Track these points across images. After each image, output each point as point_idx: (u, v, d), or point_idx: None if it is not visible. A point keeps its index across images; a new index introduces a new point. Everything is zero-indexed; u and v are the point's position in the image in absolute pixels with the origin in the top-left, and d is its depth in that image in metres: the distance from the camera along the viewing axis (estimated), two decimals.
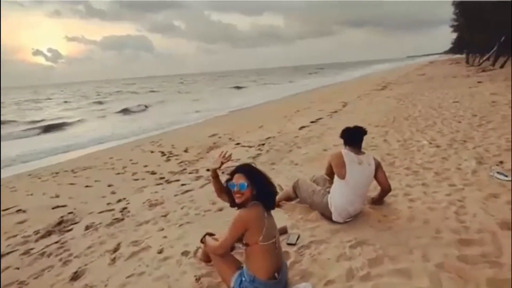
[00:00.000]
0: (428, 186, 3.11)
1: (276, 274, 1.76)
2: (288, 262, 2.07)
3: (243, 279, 1.78)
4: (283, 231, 2.48)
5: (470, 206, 2.62)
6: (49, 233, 3.60)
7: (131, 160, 6.98)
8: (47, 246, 3.18)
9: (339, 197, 2.49)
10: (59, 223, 3.87)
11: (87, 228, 3.53)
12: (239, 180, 1.76)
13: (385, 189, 2.71)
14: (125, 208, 4.00)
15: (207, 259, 2.17)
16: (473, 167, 3.48)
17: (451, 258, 1.96)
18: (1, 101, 33.81)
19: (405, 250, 2.09)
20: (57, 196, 4.95)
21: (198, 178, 4.86)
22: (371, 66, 71.13)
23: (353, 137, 2.66)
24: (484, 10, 22.33)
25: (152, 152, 7.74)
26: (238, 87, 32.34)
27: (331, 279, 1.90)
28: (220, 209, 3.31)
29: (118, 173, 6.05)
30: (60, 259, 2.80)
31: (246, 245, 1.73)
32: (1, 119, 16.51)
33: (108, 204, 4.33)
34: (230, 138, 8.13)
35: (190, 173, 5.30)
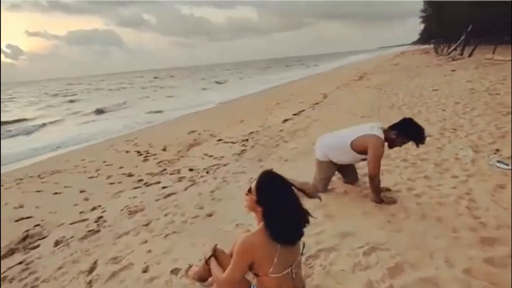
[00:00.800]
0: (430, 179, 2.94)
1: None
2: None
3: None
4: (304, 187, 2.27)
5: (480, 199, 2.46)
6: (11, 252, 3.14)
7: (104, 161, 6.47)
8: (9, 268, 2.74)
9: None
10: (24, 238, 3.40)
11: (56, 243, 3.10)
12: (251, 185, 1.46)
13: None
14: (100, 217, 3.59)
15: (201, 278, 1.86)
16: (470, 156, 3.36)
17: (477, 261, 1.77)
18: None
19: (425, 254, 1.88)
20: (21, 207, 4.42)
21: (180, 179, 4.49)
22: (346, 57, 72.12)
23: (415, 134, 2.50)
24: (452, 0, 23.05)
25: (127, 152, 7.24)
26: (216, 82, 31.59)
27: None
28: (210, 215, 2.99)
29: (91, 177, 5.55)
30: (25, 285, 2.38)
31: (255, 275, 1.42)
32: None
33: (80, 213, 3.89)
34: (211, 134, 7.76)
35: (171, 173, 4.91)
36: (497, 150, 3.44)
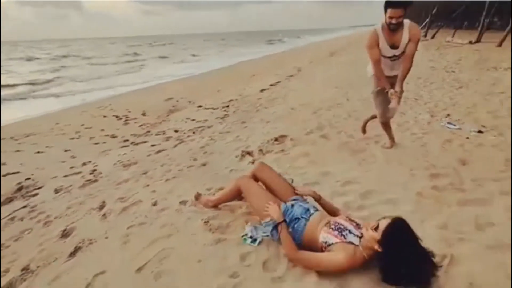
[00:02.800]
0: (394, 135, 3.47)
1: None
2: None
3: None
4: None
5: (432, 149, 3.02)
6: (9, 200, 3.27)
7: (82, 125, 6.45)
8: (15, 211, 2.91)
9: None
10: (19, 189, 3.52)
11: (56, 191, 3.28)
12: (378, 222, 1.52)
13: None
14: (94, 170, 3.77)
15: (214, 204, 2.22)
16: (427, 119, 3.95)
17: (427, 188, 2.30)
18: None
19: (388, 185, 2.38)
20: (4, 164, 4.44)
21: (167, 139, 4.72)
22: (319, 34, 72.50)
23: None
24: None
25: (104, 116, 7.21)
26: (192, 55, 30.47)
27: None
28: (204, 164, 3.32)
29: (72, 138, 5.58)
30: (38, 221, 2.60)
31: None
32: None
33: (71, 168, 4.03)
34: (189, 101, 7.91)
35: (156, 134, 5.11)
36: (448, 114, 4.06)
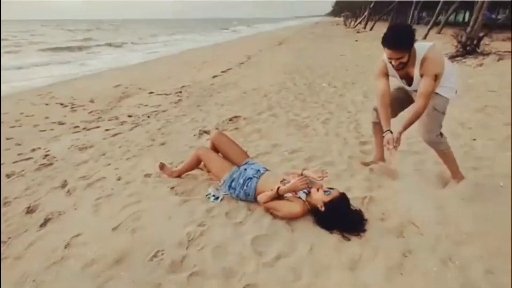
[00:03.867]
0: (333, 113, 3.99)
1: None
2: None
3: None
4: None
5: (362, 123, 3.58)
6: None
7: (22, 113, 6.06)
8: None
9: None
10: None
11: (8, 176, 3.21)
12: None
13: None
14: (47, 155, 3.72)
15: (177, 174, 2.48)
16: (361, 100, 4.56)
17: (357, 152, 2.81)
18: None
19: (326, 151, 2.84)
20: None
21: (122, 123, 4.74)
22: (264, 24, 73.21)
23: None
24: None
25: (47, 104, 6.82)
26: (139, 41, 28.54)
27: None
28: (163, 143, 3.50)
29: (13, 126, 5.26)
30: None
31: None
32: None
33: (19, 154, 3.90)
34: (139, 88, 7.78)
35: (109, 120, 5.07)
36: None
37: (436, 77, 1.97)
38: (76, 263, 1.67)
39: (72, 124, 5.13)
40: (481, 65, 6.58)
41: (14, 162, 3.63)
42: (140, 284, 1.51)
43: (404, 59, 1.97)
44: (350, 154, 2.78)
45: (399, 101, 2.31)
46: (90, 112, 5.87)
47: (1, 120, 5.64)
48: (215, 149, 2.43)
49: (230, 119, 3.95)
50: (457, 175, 2.29)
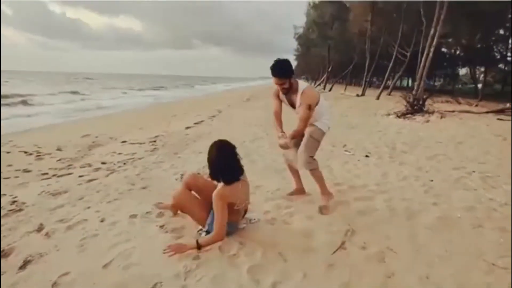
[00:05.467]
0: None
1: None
2: None
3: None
4: None
5: (333, 168, 3.91)
6: None
7: None
8: None
9: None
10: None
11: None
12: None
13: None
14: (15, 201, 3.52)
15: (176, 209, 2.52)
16: (330, 149, 4.98)
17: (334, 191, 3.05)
18: None
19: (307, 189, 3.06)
20: None
21: (96, 170, 4.65)
22: (231, 83, 77.31)
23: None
24: (316, 44, 28.61)
25: (8, 152, 6.49)
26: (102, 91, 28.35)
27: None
28: (144, 187, 3.50)
29: None
30: None
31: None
32: None
33: None
34: (110, 138, 7.73)
35: (81, 167, 4.95)
36: (345, 145, 5.19)
37: (310, 107, 2.69)
38: None
39: (40, 171, 4.92)
40: (428, 121, 7.56)
41: None
42: None
43: (285, 85, 2.68)
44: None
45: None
46: (59, 159, 5.68)
47: None
48: (189, 188, 2.48)
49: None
50: (325, 192, 2.84)
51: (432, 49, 9.48)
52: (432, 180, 3.46)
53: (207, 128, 7.71)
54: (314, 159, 2.81)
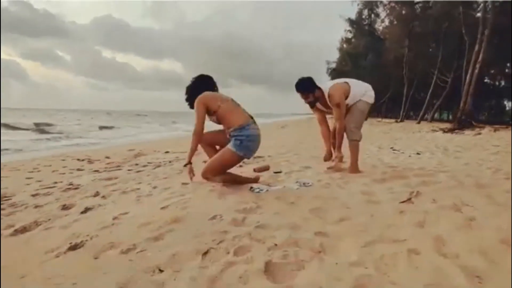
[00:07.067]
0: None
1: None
2: None
3: (237, 138, 2.28)
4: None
5: (386, 160, 3.72)
6: None
7: (38, 164, 6.16)
8: None
9: None
10: None
11: (33, 195, 3.16)
12: None
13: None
14: (71, 184, 3.69)
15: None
16: (376, 149, 4.78)
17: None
18: None
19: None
20: None
21: (144, 166, 4.81)
22: (266, 118, 78.70)
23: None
24: (349, 76, 28.64)
25: (63, 160, 6.97)
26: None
27: None
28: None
29: (31, 171, 5.31)
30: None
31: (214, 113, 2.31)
32: None
33: (43, 187, 3.87)
34: (154, 150, 8.05)
35: (129, 166, 5.15)
36: (392, 147, 4.96)
37: (339, 105, 2.88)
38: (130, 224, 1.61)
39: (91, 169, 5.19)
40: (479, 133, 7.06)
41: (35, 191, 3.60)
42: (204, 235, 1.44)
43: (309, 99, 3.00)
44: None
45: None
46: (108, 163, 5.98)
47: (19, 168, 5.71)
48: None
49: (254, 158, 4.08)
50: (354, 168, 2.91)
51: (477, 66, 9.10)
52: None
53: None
54: (359, 131, 2.98)
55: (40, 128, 19.74)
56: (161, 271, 1.09)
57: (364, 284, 0.99)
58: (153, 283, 1.02)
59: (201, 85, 2.52)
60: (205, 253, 1.21)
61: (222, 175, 2.38)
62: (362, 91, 2.96)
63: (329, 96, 2.91)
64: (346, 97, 2.90)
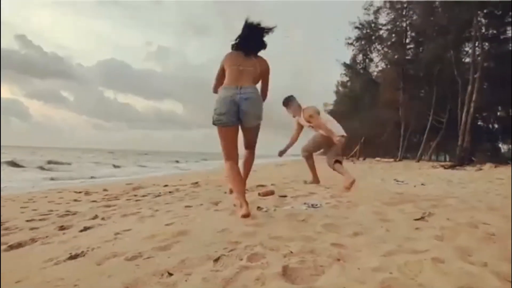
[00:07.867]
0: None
1: None
2: None
3: None
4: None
5: (390, 188, 3.66)
6: None
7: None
8: None
9: None
10: None
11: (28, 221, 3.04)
12: None
13: None
14: (68, 211, 3.59)
15: None
16: (380, 181, 4.73)
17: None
18: None
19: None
20: None
21: (144, 195, 4.71)
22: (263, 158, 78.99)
23: None
24: (347, 118, 29.24)
25: (59, 192, 6.82)
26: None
27: None
28: (194, 198, 3.46)
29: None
30: None
31: None
32: None
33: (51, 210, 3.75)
34: (153, 184, 7.92)
35: (128, 197, 5.03)
36: (395, 178, 4.91)
37: (311, 116, 3.84)
38: (134, 238, 1.53)
39: (89, 199, 5.06)
40: (480, 169, 7.05)
41: (30, 217, 3.48)
42: (214, 244, 1.36)
43: (289, 111, 4.09)
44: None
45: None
46: (106, 195, 5.85)
47: (14, 199, 5.56)
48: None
49: (257, 186, 4.04)
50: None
51: (472, 105, 9.38)
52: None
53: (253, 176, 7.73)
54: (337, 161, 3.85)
55: (40, 166, 19.60)
56: (170, 274, 1.01)
57: (391, 285, 0.92)
58: (163, 284, 0.94)
59: None
60: (217, 259, 1.13)
61: None
62: (334, 125, 3.90)
63: (302, 112, 3.95)
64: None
